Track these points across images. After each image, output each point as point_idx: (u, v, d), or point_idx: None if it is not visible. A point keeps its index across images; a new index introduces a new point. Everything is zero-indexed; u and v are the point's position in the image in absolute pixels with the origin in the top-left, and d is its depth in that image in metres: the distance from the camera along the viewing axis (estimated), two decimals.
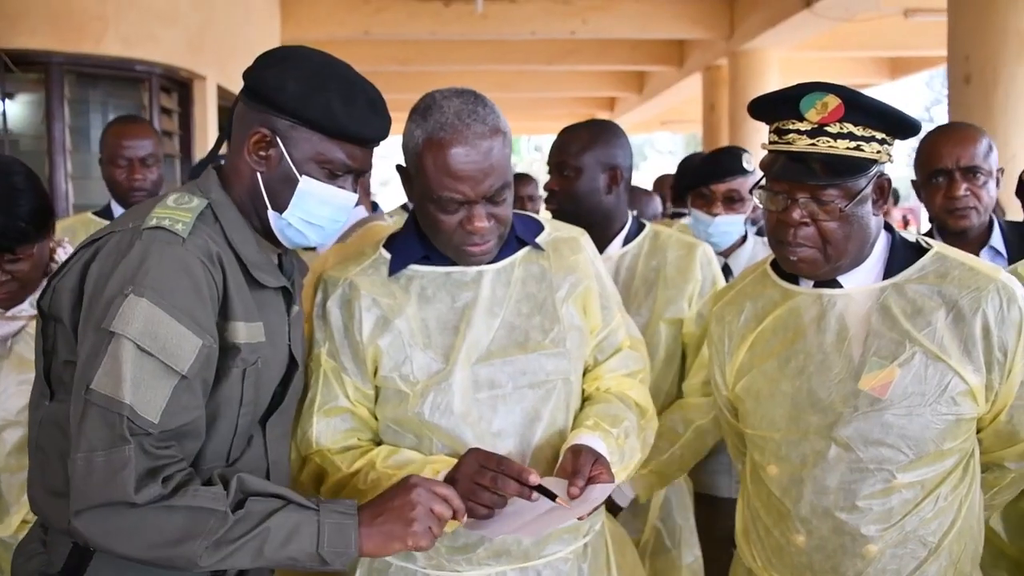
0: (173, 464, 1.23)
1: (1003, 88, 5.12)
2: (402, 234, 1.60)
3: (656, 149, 30.56)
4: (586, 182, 2.09)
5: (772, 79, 8.61)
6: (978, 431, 1.56)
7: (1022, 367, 1.49)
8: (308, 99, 1.32)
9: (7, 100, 4.96)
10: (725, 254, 2.64)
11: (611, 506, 2.02)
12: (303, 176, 1.35)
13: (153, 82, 5.37)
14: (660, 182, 5.67)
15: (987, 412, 1.51)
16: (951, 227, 2.11)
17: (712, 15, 8.69)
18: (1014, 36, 5.08)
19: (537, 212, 4.30)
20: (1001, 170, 2.16)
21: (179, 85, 5.68)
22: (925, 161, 2.15)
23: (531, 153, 28.92)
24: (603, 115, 15.06)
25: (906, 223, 9.16)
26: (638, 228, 2.17)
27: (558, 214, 2.09)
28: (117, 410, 1.19)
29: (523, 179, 5.02)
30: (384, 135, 1.39)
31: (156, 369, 1.21)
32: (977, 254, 2.08)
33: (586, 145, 2.10)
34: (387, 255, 1.57)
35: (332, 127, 1.33)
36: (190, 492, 1.20)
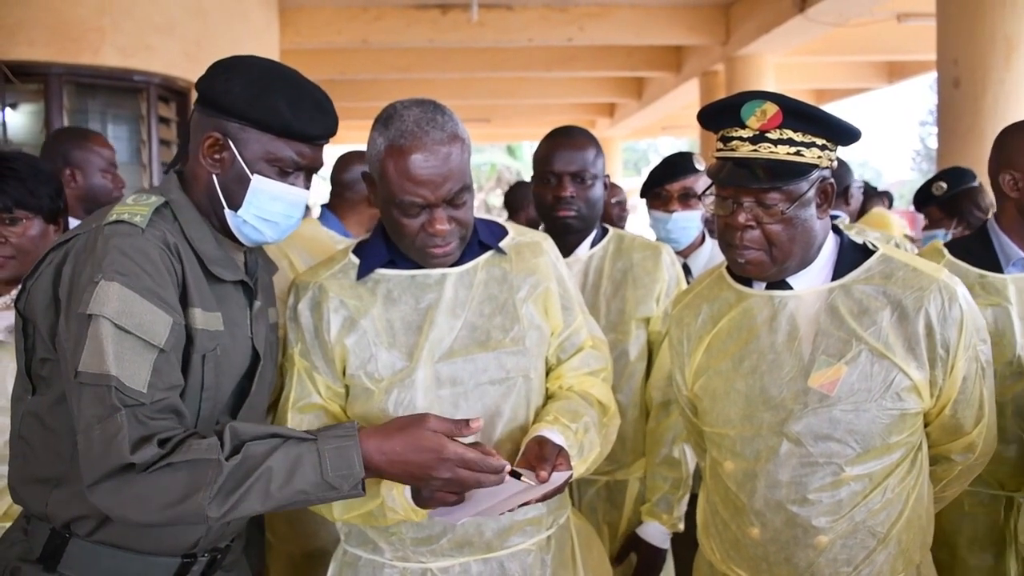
0: (169, 432, 1.28)
1: (991, 92, 5.16)
2: (370, 240, 1.68)
3: (660, 154, 30.63)
4: (599, 188, 2.19)
5: (768, 84, 8.66)
6: (926, 425, 1.62)
7: (964, 363, 1.54)
8: (255, 101, 1.41)
9: (8, 110, 5.05)
10: (684, 254, 2.73)
11: (648, 551, 2.13)
12: (255, 175, 1.44)
13: (151, 92, 5.45)
14: None
15: (932, 407, 1.57)
16: None
17: (708, 21, 8.74)
18: (1002, 41, 5.12)
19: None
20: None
21: (177, 95, 5.76)
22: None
23: None
24: (603, 121, 15.13)
25: None
26: (602, 232, 2.25)
27: (577, 220, 2.15)
28: (105, 383, 1.26)
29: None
30: (330, 132, 1.48)
31: (136, 344, 1.29)
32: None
33: (597, 152, 2.19)
34: (356, 260, 1.65)
35: (279, 126, 1.42)
36: (185, 447, 1.26)
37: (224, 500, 1.23)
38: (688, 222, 2.69)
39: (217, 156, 1.44)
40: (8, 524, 1.82)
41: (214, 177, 1.45)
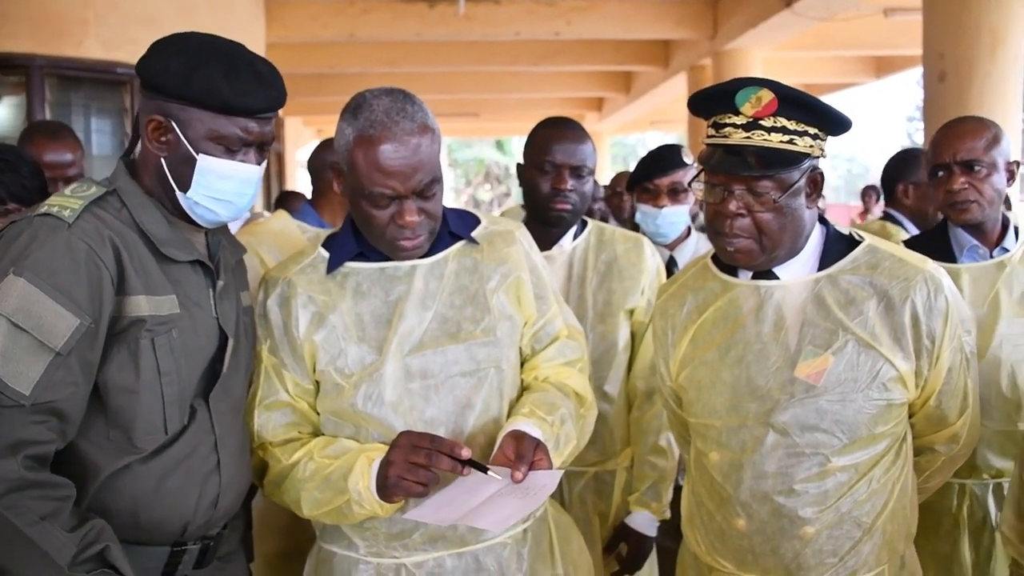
0: (42, 444, 1.29)
1: (977, 86, 5.17)
2: (339, 233, 1.65)
3: (647, 148, 30.61)
4: (591, 184, 2.18)
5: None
6: (910, 416, 1.61)
7: (949, 354, 1.54)
8: (190, 78, 1.38)
9: None
10: (671, 247, 2.74)
11: (637, 539, 2.14)
12: (200, 154, 1.41)
13: (134, 85, 5.40)
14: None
15: (917, 397, 1.57)
16: (954, 220, 2.11)
17: (695, 15, 8.74)
18: (987, 34, 5.13)
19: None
20: (1016, 163, 2.13)
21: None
22: (930, 157, 2.15)
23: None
24: (591, 115, 15.13)
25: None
26: (582, 224, 2.24)
27: (571, 214, 2.14)
28: None
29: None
30: (274, 105, 1.44)
31: (30, 345, 1.27)
32: (992, 249, 2.09)
33: (593, 147, 2.18)
34: (325, 254, 1.62)
35: (216, 102, 1.38)
36: (46, 529, 1.25)
37: None
38: (677, 216, 2.69)
39: (162, 138, 1.42)
40: None
41: (162, 160, 1.43)
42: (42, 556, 1.25)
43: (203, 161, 1.41)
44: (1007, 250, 2.09)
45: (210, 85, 1.37)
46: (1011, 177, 2.12)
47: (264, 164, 1.49)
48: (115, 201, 1.42)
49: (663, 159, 2.71)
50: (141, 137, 1.45)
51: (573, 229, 2.21)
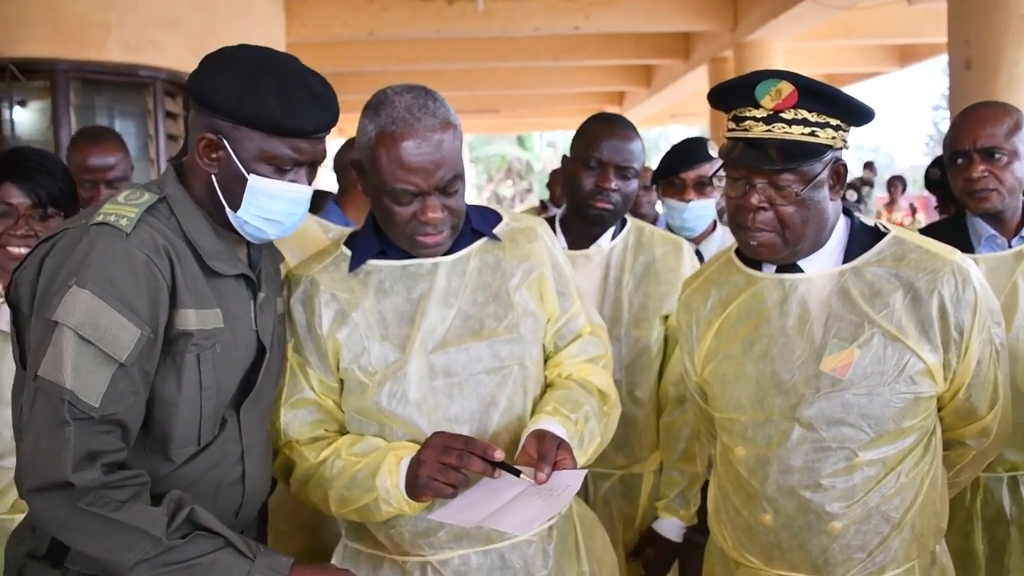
0: (113, 452, 1.30)
1: (1005, 73, 5.09)
2: (362, 231, 1.65)
3: (670, 142, 30.48)
4: (635, 184, 2.13)
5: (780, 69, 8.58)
6: (940, 409, 1.59)
7: (978, 346, 1.52)
8: (243, 98, 1.35)
9: (16, 108, 5.06)
10: (696, 241, 2.71)
11: (664, 545, 2.13)
12: (251, 175, 1.39)
13: (157, 87, 5.46)
14: None
15: (946, 390, 1.55)
16: (973, 209, 2.07)
17: (716, 7, 8.68)
18: (1015, 20, 5.04)
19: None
20: None
21: (183, 89, 5.75)
22: (948, 144, 2.11)
23: (544, 149, 28.94)
24: (613, 109, 15.07)
25: (913, 211, 9.12)
26: (622, 222, 2.20)
27: (611, 214, 2.10)
28: (59, 395, 1.25)
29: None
30: (328, 125, 1.42)
31: (96, 356, 1.27)
32: (1011, 238, 2.06)
33: (642, 147, 2.14)
34: (347, 252, 1.62)
35: (269, 124, 1.37)
36: (134, 509, 1.27)
37: (150, 569, 1.27)
38: (704, 210, 2.66)
39: (213, 156, 1.40)
40: (16, 516, 1.83)
41: (212, 176, 1.42)
42: (137, 535, 1.26)
43: (254, 181, 1.39)
44: None
45: (263, 106, 1.35)
46: None
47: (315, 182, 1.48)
48: (165, 209, 1.41)
49: (689, 152, 2.68)
50: (191, 151, 1.44)
51: (612, 228, 2.17)
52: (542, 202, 6.90)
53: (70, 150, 2.71)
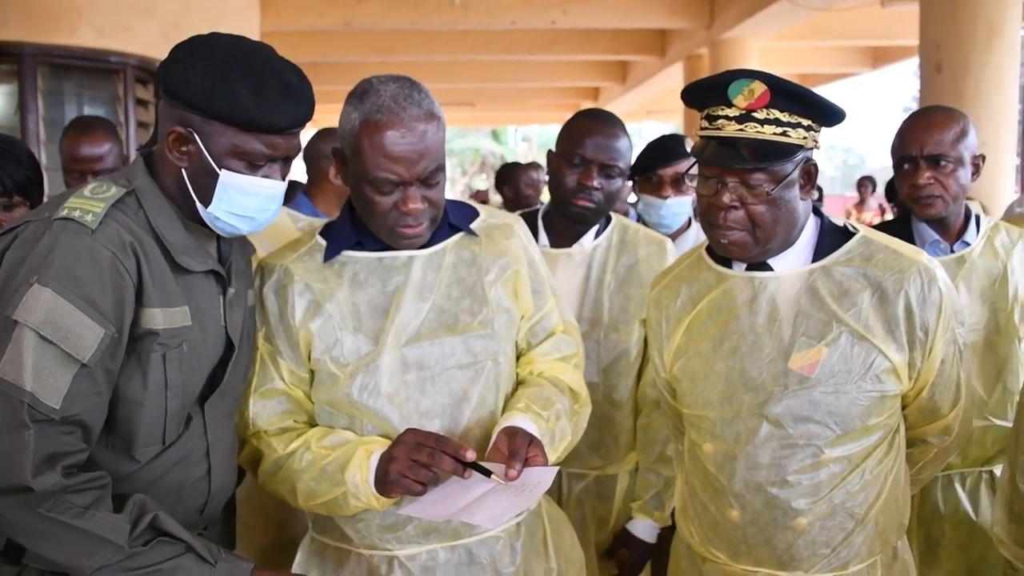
0: (74, 454, 1.28)
1: (973, 76, 5.16)
2: (338, 221, 1.63)
3: (644, 138, 30.60)
4: (620, 183, 2.11)
5: (753, 68, 8.63)
6: (903, 408, 1.61)
7: (942, 346, 1.54)
8: (214, 92, 1.31)
9: None
10: (672, 238, 2.67)
11: (638, 546, 2.14)
12: (223, 170, 1.36)
13: (128, 73, 5.37)
14: None
15: (910, 389, 1.57)
16: (918, 215, 2.11)
17: (692, 4, 8.72)
18: (984, 24, 5.12)
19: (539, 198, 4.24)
20: (981, 156, 2.11)
21: (154, 76, 5.68)
22: (896, 148, 2.14)
23: (519, 144, 28.93)
24: (588, 105, 15.09)
25: (883, 212, 9.22)
26: (606, 220, 2.18)
27: (593, 213, 2.07)
28: (19, 397, 1.23)
29: (529, 166, 5.23)
30: (303, 120, 1.39)
31: (58, 357, 1.25)
32: (953, 243, 2.10)
33: (629, 145, 2.11)
34: (323, 242, 1.61)
35: (241, 119, 1.33)
36: (96, 516, 1.26)
37: (113, 574, 1.27)
38: (681, 207, 2.66)
39: (183, 149, 1.36)
40: None
41: (183, 170, 1.38)
42: (99, 542, 1.25)
43: (225, 176, 1.36)
44: (967, 243, 2.11)
45: (235, 100, 1.31)
46: (976, 171, 2.11)
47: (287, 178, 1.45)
48: (133, 203, 1.37)
49: (666, 149, 2.67)
50: (161, 142, 1.40)
51: (595, 227, 2.15)
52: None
53: (62, 140, 2.69)
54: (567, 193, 2.07)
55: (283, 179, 1.43)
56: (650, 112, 17.00)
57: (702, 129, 1.55)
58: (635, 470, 2.19)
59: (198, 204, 1.40)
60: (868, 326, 1.52)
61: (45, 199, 2.38)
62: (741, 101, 1.49)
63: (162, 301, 1.35)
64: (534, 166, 5.69)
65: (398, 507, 1.50)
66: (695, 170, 1.58)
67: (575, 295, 2.10)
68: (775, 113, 1.48)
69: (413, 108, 1.46)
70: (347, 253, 1.59)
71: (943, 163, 2.04)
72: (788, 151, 1.49)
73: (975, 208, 2.20)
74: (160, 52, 5.28)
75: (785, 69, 11.76)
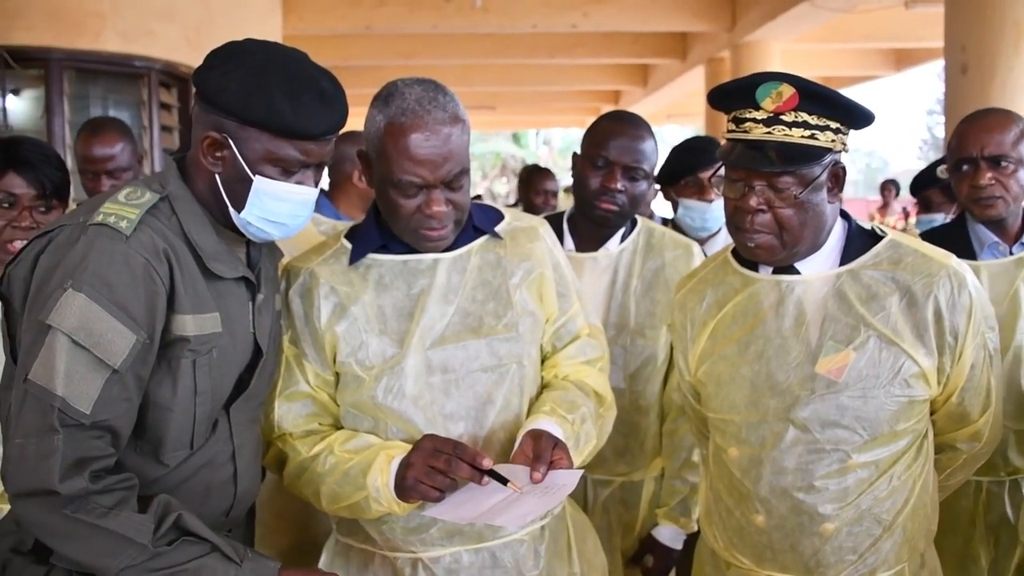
0: (102, 459, 1.28)
1: (1000, 79, 5.10)
2: (363, 224, 1.64)
3: (666, 143, 30.51)
4: (645, 185, 2.08)
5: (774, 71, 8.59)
6: (932, 413, 1.60)
7: (972, 351, 1.52)
8: (251, 99, 1.32)
9: (9, 96, 5.03)
10: (702, 242, 2.65)
11: (663, 552, 2.12)
12: (257, 176, 1.36)
13: (152, 77, 5.42)
14: None
15: (939, 394, 1.55)
16: (977, 216, 2.08)
17: (714, 7, 8.68)
18: (1011, 26, 5.06)
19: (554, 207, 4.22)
20: None
21: (179, 80, 5.73)
22: (953, 149, 2.11)
23: (540, 147, 28.92)
24: (608, 108, 15.07)
25: (906, 215, 9.14)
26: (631, 224, 2.16)
27: (617, 216, 2.05)
28: (50, 401, 1.23)
29: (544, 173, 5.12)
30: (337, 126, 1.39)
31: (89, 362, 1.25)
32: (1012, 245, 2.07)
33: (655, 148, 2.09)
34: (348, 245, 1.61)
35: (278, 126, 1.33)
36: (120, 516, 1.26)
37: (138, 574, 1.27)
38: (723, 210, 2.63)
39: (217, 155, 1.37)
40: (3, 506, 1.82)
41: (216, 175, 1.38)
42: (123, 542, 1.25)
43: (259, 183, 1.36)
44: None
45: (271, 107, 1.32)
46: None
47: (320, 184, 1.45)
48: (166, 208, 1.37)
49: (706, 152, 2.61)
50: (195, 146, 1.40)
51: (622, 231, 2.13)
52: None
53: (75, 142, 2.72)
54: (590, 195, 2.05)
55: (315, 185, 1.43)
56: (671, 116, 16.94)
57: (729, 132, 1.54)
58: (661, 476, 2.17)
59: (231, 209, 1.40)
60: (896, 330, 1.50)
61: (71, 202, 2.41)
62: (769, 104, 1.48)
63: (194, 307, 1.36)
64: (548, 174, 5.43)
65: (422, 510, 1.50)
66: (721, 172, 1.57)
67: (601, 300, 2.08)
68: (803, 116, 1.47)
69: (438, 111, 1.46)
70: (372, 256, 1.59)
71: (1004, 163, 2.02)
72: (816, 154, 1.48)
73: None
74: (182, 57, 5.35)
75: (807, 72, 11.63)
